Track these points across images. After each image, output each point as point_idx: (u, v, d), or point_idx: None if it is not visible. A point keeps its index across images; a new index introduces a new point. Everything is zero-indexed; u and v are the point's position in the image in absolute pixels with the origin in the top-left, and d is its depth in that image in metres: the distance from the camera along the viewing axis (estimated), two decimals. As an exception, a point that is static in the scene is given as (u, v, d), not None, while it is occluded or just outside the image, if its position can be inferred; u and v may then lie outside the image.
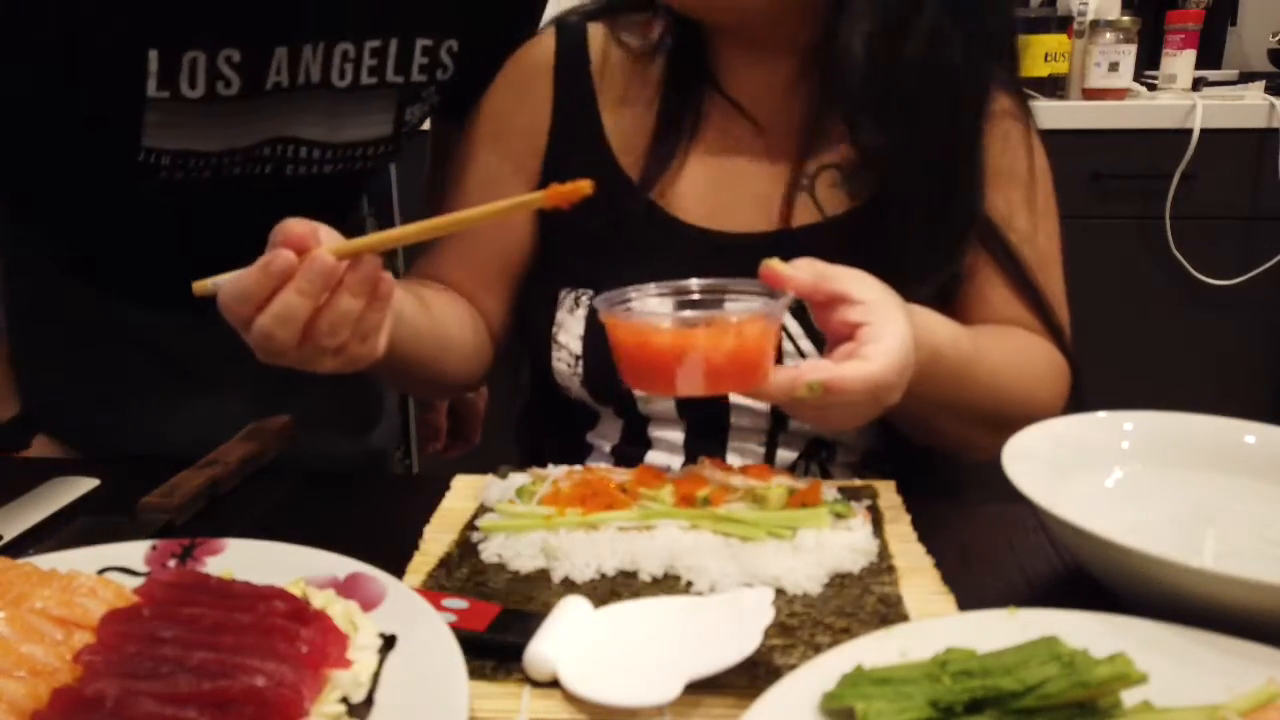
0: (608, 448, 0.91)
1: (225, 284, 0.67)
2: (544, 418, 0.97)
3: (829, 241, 0.81)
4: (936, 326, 0.75)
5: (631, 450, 0.89)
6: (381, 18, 0.89)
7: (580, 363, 0.87)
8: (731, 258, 0.86)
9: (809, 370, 0.63)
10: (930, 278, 0.82)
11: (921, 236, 0.82)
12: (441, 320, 0.88)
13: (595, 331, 0.87)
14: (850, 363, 0.64)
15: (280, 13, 0.84)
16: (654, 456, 0.88)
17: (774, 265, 0.67)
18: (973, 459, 0.88)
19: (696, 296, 0.71)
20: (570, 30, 0.94)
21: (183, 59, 0.81)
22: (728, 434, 0.87)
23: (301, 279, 0.65)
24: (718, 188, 0.89)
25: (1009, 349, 0.84)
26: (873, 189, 0.84)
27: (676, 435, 0.88)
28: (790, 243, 0.83)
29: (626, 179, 0.89)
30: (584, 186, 0.63)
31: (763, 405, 0.86)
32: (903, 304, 0.69)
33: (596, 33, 0.93)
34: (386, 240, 0.69)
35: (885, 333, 0.65)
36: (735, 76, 0.88)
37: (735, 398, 0.86)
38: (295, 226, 0.66)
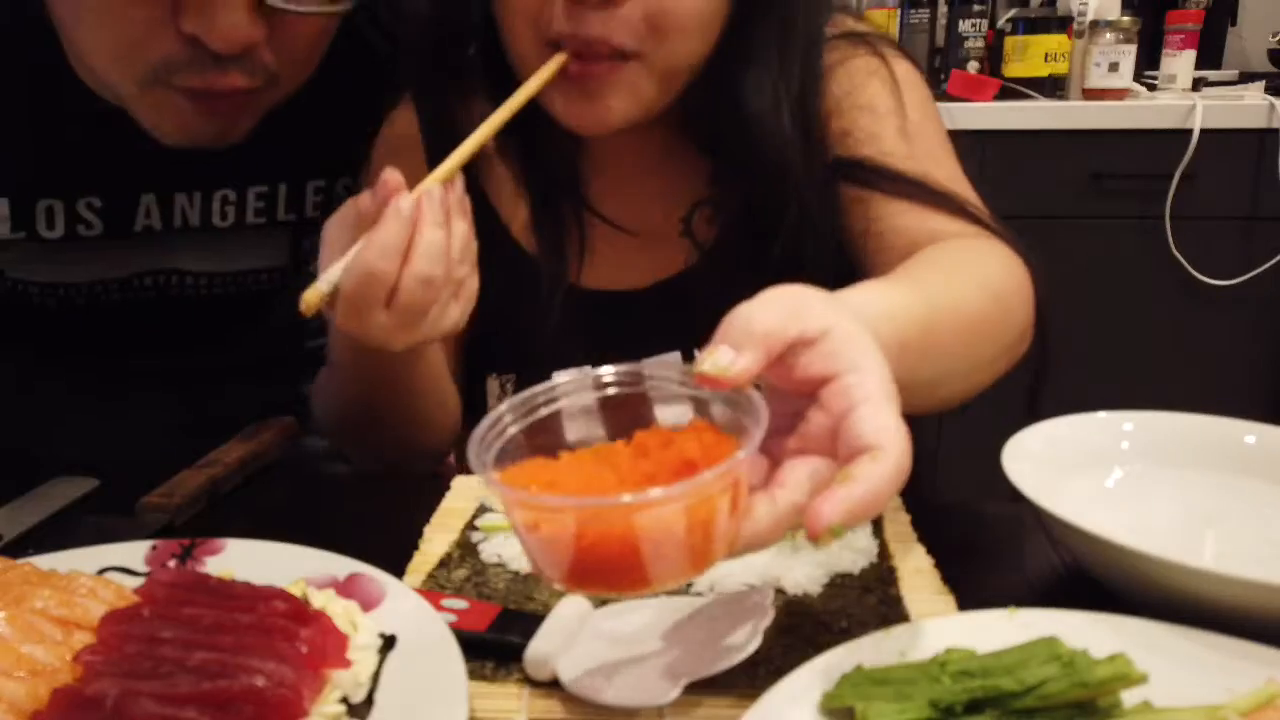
0: None
1: (355, 261, 0.63)
2: None
3: (725, 268, 0.83)
4: (884, 311, 0.59)
5: None
6: (266, 168, 0.87)
7: None
8: (641, 315, 0.87)
9: (824, 508, 0.42)
10: (828, 261, 0.81)
11: (808, 234, 0.82)
12: (447, 376, 0.88)
13: None
14: (863, 467, 0.43)
15: (145, 166, 0.82)
16: None
17: (707, 371, 0.46)
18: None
19: (613, 391, 0.53)
20: (430, 100, 0.90)
21: (37, 206, 0.80)
22: None
23: (429, 212, 0.65)
24: (614, 244, 0.88)
25: (951, 272, 0.71)
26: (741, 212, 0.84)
27: None
28: (691, 281, 0.86)
29: (524, 253, 0.89)
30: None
31: None
32: (851, 312, 0.51)
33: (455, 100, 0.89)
34: (462, 157, 0.68)
35: (867, 383, 0.46)
36: (600, 156, 0.88)
37: None
38: (394, 175, 0.66)
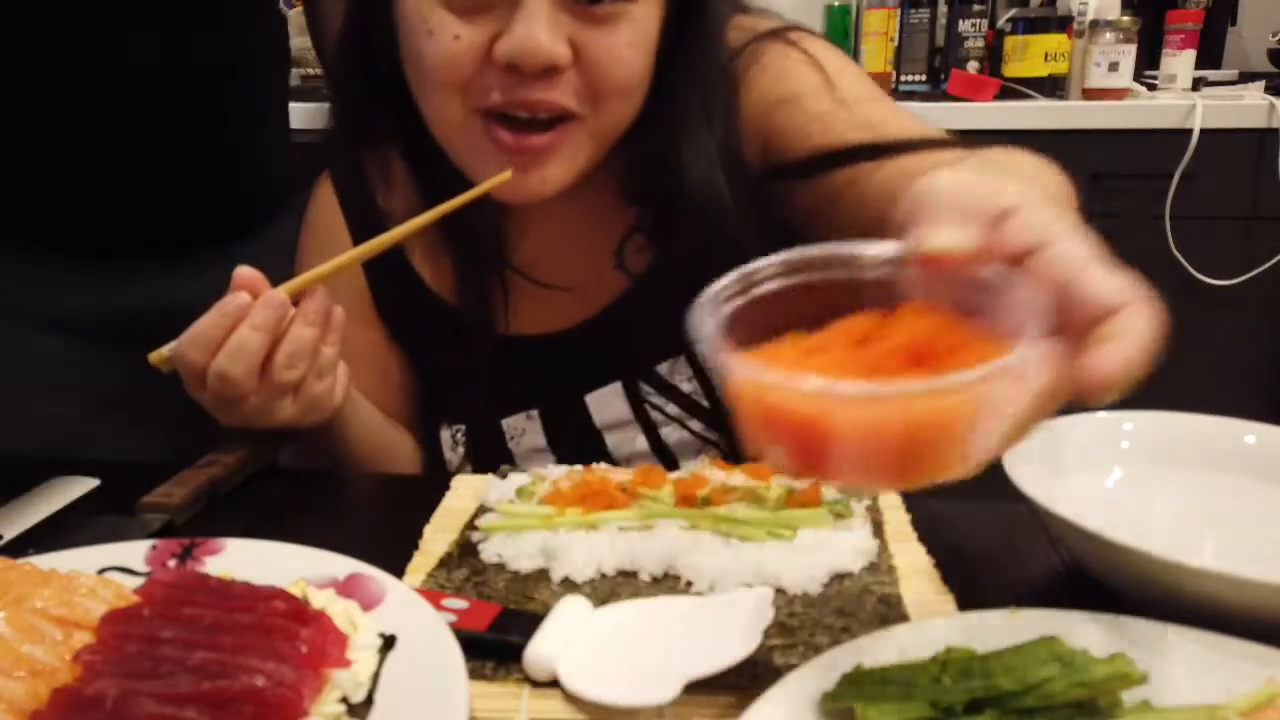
0: None
1: (182, 338, 0.70)
2: None
3: (659, 292, 0.80)
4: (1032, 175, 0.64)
5: None
6: None
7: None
8: (576, 352, 0.88)
9: (1104, 364, 0.40)
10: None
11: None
12: (388, 423, 0.90)
13: (480, 460, 0.89)
14: (1124, 321, 0.41)
15: None
16: None
17: (933, 249, 0.43)
18: None
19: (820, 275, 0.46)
20: (343, 165, 0.91)
21: None
22: None
23: (256, 314, 0.69)
24: (536, 290, 0.89)
25: (1024, 163, 0.70)
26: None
27: None
28: (622, 312, 0.87)
29: (449, 306, 0.89)
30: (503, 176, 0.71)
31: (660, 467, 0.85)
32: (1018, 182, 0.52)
33: (371, 161, 0.90)
34: (333, 269, 0.72)
35: (1080, 248, 0.43)
36: (525, 218, 0.88)
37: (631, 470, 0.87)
38: (245, 272, 0.70)
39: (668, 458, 0.89)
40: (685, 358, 0.87)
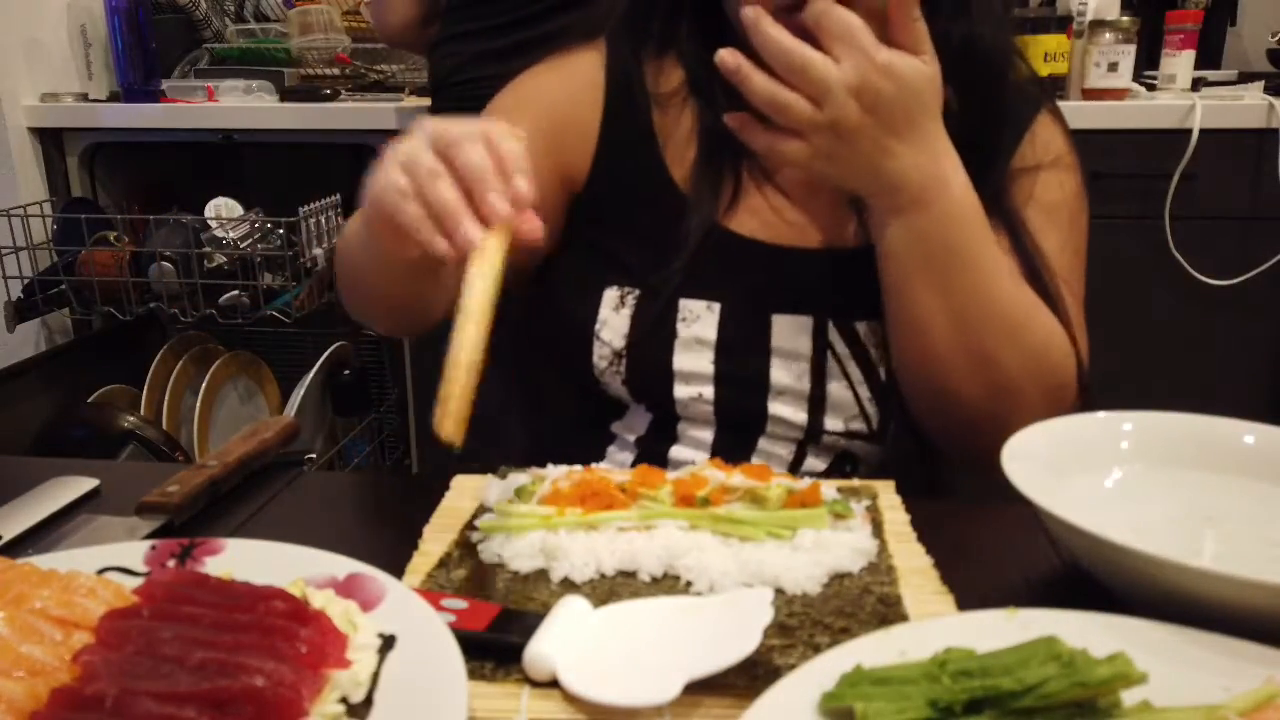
0: (632, 439, 0.91)
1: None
2: (562, 407, 0.97)
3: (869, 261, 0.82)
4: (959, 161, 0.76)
5: (657, 445, 0.90)
6: None
7: (623, 361, 0.87)
8: (782, 271, 0.87)
9: None
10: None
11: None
12: None
13: (639, 330, 0.87)
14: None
15: None
16: (679, 451, 0.89)
17: None
18: (961, 433, 0.84)
19: None
20: (623, 49, 0.92)
21: None
22: (757, 439, 0.88)
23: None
24: (771, 201, 0.89)
25: (1018, 275, 0.82)
26: None
27: (706, 434, 0.89)
28: (845, 261, 0.86)
29: (678, 192, 0.89)
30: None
31: (800, 415, 0.86)
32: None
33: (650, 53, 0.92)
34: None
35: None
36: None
37: (774, 406, 0.87)
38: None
39: (819, 408, 0.87)
40: (881, 325, 0.86)
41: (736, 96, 0.75)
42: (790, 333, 0.86)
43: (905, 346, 0.83)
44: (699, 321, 0.87)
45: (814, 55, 0.71)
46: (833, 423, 0.87)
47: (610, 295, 0.88)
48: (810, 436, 0.87)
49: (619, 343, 0.87)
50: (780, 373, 0.87)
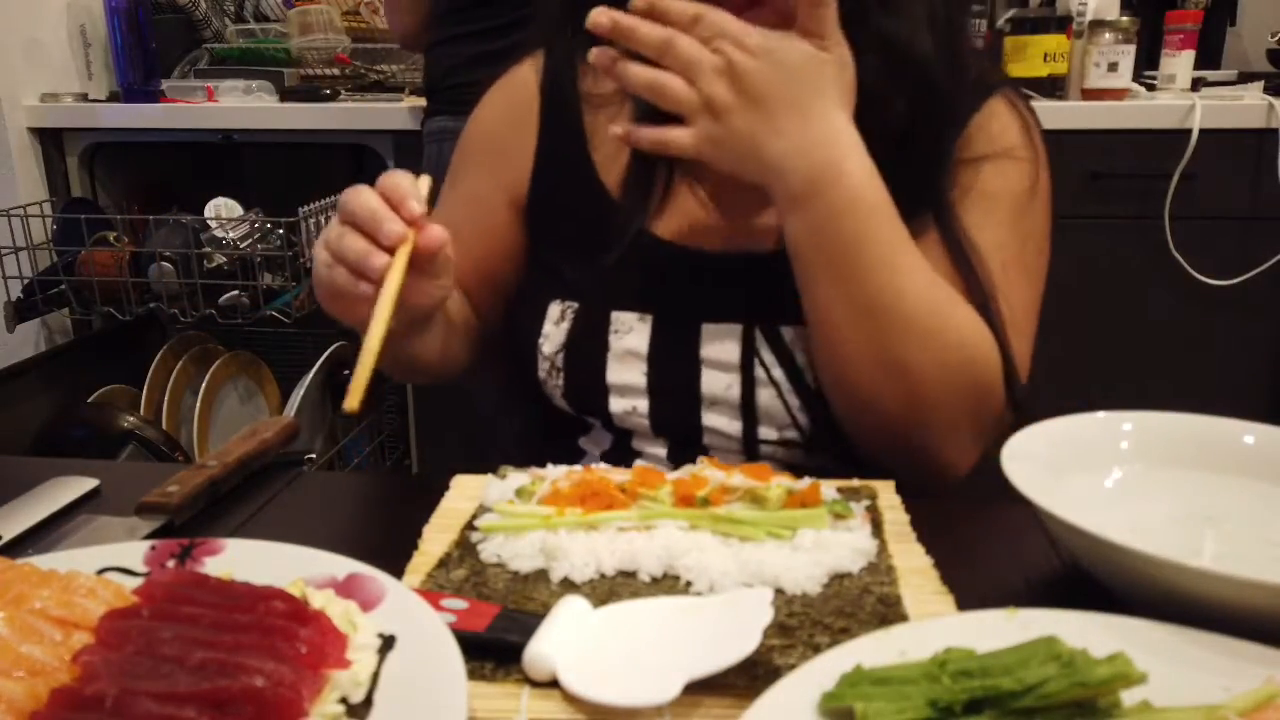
0: (598, 454, 0.91)
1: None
2: (543, 420, 0.98)
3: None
4: (863, 151, 0.75)
5: (621, 461, 0.89)
6: None
7: (561, 375, 0.88)
8: (711, 278, 0.87)
9: None
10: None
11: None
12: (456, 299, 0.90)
13: (576, 345, 0.87)
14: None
15: None
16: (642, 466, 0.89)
17: None
18: (885, 444, 0.81)
19: None
20: (558, 53, 0.93)
21: None
22: (703, 451, 0.87)
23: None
24: (702, 208, 0.89)
25: (932, 276, 0.78)
26: None
27: (660, 450, 0.89)
28: (770, 263, 0.84)
29: (611, 201, 0.89)
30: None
31: (734, 426, 0.86)
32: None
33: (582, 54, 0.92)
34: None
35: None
36: None
37: (708, 417, 0.86)
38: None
39: (751, 418, 0.86)
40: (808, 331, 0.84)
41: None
42: (719, 341, 0.86)
43: (816, 349, 0.81)
44: (631, 333, 0.87)
45: (679, 35, 0.72)
46: (767, 432, 0.85)
47: (554, 309, 0.89)
48: (746, 448, 0.86)
49: (559, 359, 0.87)
50: (710, 383, 0.86)
